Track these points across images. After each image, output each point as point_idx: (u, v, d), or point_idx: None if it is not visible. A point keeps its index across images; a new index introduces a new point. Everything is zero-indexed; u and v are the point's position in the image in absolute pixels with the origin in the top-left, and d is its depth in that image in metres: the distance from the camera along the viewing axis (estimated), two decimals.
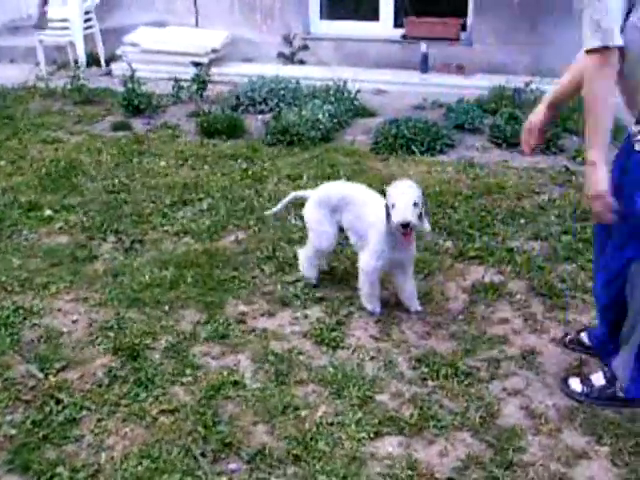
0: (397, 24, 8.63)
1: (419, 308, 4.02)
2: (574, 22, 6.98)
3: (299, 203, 5.01)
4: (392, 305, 4.08)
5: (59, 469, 3.00)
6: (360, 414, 3.26)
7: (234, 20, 8.81)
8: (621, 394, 3.34)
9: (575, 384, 3.43)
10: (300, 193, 4.44)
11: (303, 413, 3.27)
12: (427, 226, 3.84)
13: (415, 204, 3.67)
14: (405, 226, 3.66)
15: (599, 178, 2.95)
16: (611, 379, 3.37)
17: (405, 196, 3.68)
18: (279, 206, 4.49)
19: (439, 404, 3.34)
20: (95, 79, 8.38)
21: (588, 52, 2.83)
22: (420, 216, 3.73)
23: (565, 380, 3.48)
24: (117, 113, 7.24)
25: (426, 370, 3.55)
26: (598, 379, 3.40)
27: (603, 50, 2.80)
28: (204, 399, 3.35)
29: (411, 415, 3.26)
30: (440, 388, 3.44)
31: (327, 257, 4.38)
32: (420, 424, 3.21)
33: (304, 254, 4.28)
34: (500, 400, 3.37)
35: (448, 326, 3.91)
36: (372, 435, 3.16)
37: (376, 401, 3.35)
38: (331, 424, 3.21)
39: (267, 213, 4.65)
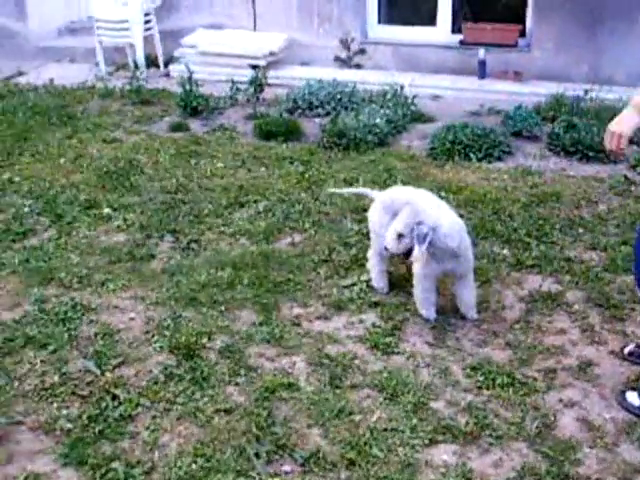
0: (455, 30, 8.57)
1: (475, 316, 3.99)
2: (632, 30, 6.89)
3: (355, 207, 5.04)
4: (448, 312, 4.05)
5: (114, 464, 3.04)
6: (415, 421, 3.26)
7: (292, 23, 8.83)
8: None
9: (632, 397, 3.38)
10: (368, 191, 4.47)
11: (357, 418, 3.28)
12: (415, 255, 3.76)
13: (400, 235, 3.72)
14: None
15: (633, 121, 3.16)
16: None
17: (394, 225, 3.77)
18: (344, 190, 4.48)
19: (494, 413, 3.31)
20: (153, 80, 8.46)
21: None
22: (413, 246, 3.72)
23: (623, 393, 3.43)
24: (175, 114, 7.30)
25: (481, 379, 3.53)
26: None
27: None
28: (259, 400, 3.37)
29: (466, 423, 3.25)
30: (496, 397, 3.42)
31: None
32: (475, 433, 3.20)
33: (371, 263, 4.27)
34: (556, 411, 3.34)
35: (504, 335, 3.87)
36: (426, 442, 3.15)
37: (431, 408, 3.34)
38: (385, 430, 3.21)
39: (329, 190, 4.63)
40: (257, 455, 3.07)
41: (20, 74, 9.10)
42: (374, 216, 4.19)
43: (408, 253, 3.77)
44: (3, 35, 9.98)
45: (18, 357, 3.73)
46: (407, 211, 3.75)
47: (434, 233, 3.66)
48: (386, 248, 3.82)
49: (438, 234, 3.68)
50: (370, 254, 4.29)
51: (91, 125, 7.07)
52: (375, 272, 4.25)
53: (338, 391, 3.44)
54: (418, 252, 3.70)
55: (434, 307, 3.99)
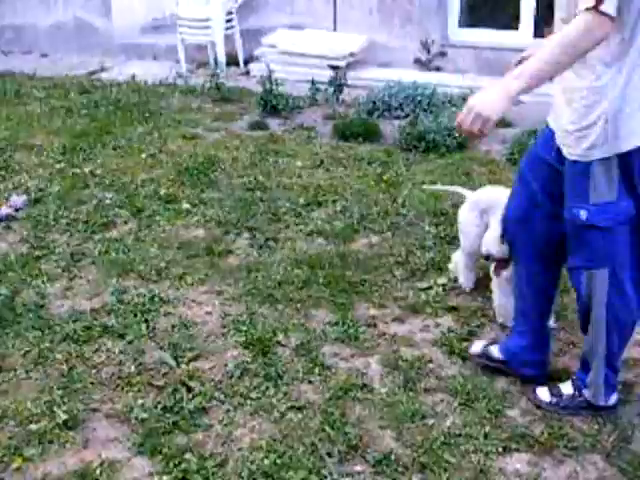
0: (537, 34, 8.44)
1: (554, 325, 3.91)
2: None
3: (434, 210, 4.99)
4: None
5: (187, 455, 3.07)
6: (489, 427, 3.21)
7: (372, 25, 8.81)
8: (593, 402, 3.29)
9: (543, 393, 3.37)
10: (462, 191, 4.45)
11: (431, 422, 3.24)
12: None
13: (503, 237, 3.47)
14: (486, 258, 3.70)
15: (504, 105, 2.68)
16: (579, 388, 3.31)
17: (494, 226, 3.63)
18: (440, 187, 4.47)
19: (570, 424, 3.24)
20: (233, 78, 8.54)
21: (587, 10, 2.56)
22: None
23: (534, 390, 3.41)
24: (254, 112, 7.35)
25: None
26: (566, 388, 3.35)
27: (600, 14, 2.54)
28: (332, 399, 3.36)
29: (541, 433, 3.19)
30: None
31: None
32: (550, 443, 3.14)
33: (459, 263, 4.25)
34: (634, 425, 3.25)
35: (582, 345, 3.78)
36: (500, 450, 3.10)
37: (506, 416, 3.29)
38: (459, 435, 3.17)
39: (425, 187, 4.59)
40: (329, 454, 3.06)
41: (103, 70, 9.29)
42: (462, 215, 4.17)
43: (508, 259, 3.60)
44: (87, 31, 10.20)
45: (96, 346, 3.80)
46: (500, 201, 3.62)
47: None
48: (486, 252, 3.66)
49: None
50: (456, 254, 4.26)
51: (171, 121, 7.17)
52: (462, 270, 4.21)
53: (412, 394, 3.41)
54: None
55: (512, 314, 3.90)
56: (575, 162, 2.93)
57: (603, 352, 3.18)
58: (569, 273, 3.23)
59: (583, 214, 2.94)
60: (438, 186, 4.51)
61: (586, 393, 3.29)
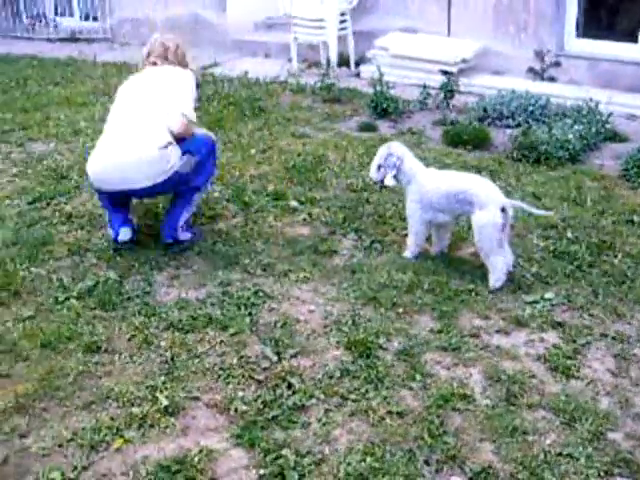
0: None
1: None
2: None
3: (542, 223, 4.89)
4: (633, 341, 3.88)
5: (285, 451, 3.09)
6: (590, 449, 3.13)
7: (486, 31, 8.71)
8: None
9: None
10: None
11: (531, 438, 3.19)
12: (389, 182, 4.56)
13: (379, 166, 4.54)
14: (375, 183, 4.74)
15: None
16: None
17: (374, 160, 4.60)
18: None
19: None
20: (344, 79, 8.56)
21: None
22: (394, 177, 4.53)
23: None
24: (364, 114, 7.37)
25: None
26: None
27: None
28: (432, 407, 3.34)
29: None
30: None
31: None
32: None
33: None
34: None
35: None
36: (602, 473, 3.02)
37: (608, 438, 3.20)
38: (559, 454, 3.10)
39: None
40: (427, 462, 3.04)
41: (216, 64, 9.47)
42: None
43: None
44: (202, 26, 10.42)
45: (200, 335, 3.87)
46: (383, 148, 4.56)
47: (401, 163, 4.48)
48: (371, 178, 4.69)
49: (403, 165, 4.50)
50: None
51: (281, 119, 7.25)
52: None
53: (513, 408, 3.35)
54: (389, 179, 4.51)
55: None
56: None
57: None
58: None
59: None
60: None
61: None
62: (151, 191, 4.62)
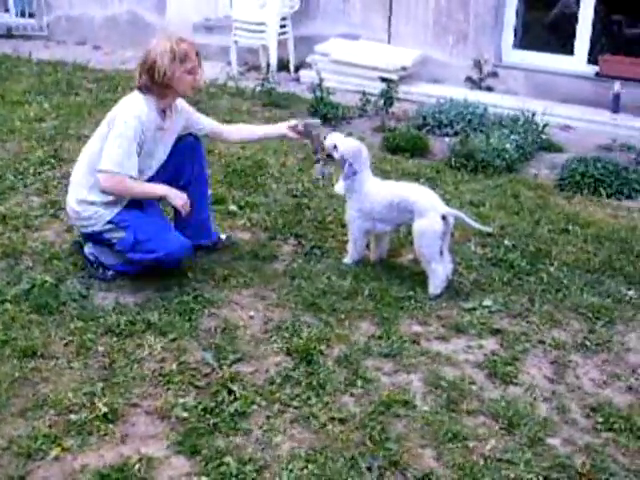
0: (591, 60, 8.38)
1: None
2: None
3: (481, 231, 4.95)
4: (569, 348, 3.95)
5: (227, 459, 3.06)
6: (529, 454, 3.17)
7: (426, 40, 8.80)
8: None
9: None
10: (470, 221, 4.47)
11: (471, 444, 3.21)
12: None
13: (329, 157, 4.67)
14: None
15: None
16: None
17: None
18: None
19: (612, 458, 3.19)
20: (283, 84, 8.57)
21: None
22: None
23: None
24: (304, 119, 7.34)
25: (600, 420, 3.41)
26: None
27: None
28: (374, 413, 3.35)
29: (582, 464, 3.14)
30: (614, 441, 3.29)
31: None
32: (591, 475, 3.09)
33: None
34: None
35: (627, 378, 3.74)
36: (541, 478, 3.06)
37: (547, 444, 3.25)
38: (499, 460, 3.14)
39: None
40: (369, 469, 3.04)
41: None
42: None
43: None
44: (139, 26, 10.31)
45: (139, 341, 3.81)
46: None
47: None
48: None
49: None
50: None
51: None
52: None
53: (453, 414, 3.38)
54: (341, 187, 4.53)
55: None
56: None
57: None
58: None
59: None
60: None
61: None
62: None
